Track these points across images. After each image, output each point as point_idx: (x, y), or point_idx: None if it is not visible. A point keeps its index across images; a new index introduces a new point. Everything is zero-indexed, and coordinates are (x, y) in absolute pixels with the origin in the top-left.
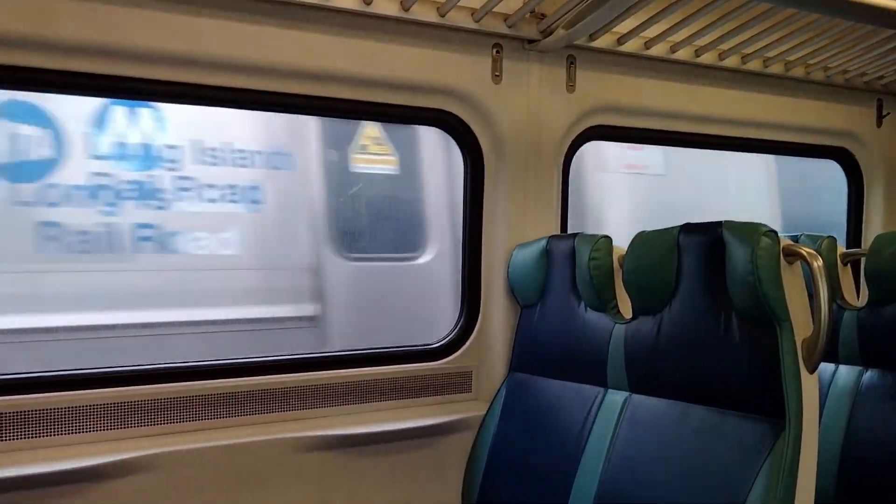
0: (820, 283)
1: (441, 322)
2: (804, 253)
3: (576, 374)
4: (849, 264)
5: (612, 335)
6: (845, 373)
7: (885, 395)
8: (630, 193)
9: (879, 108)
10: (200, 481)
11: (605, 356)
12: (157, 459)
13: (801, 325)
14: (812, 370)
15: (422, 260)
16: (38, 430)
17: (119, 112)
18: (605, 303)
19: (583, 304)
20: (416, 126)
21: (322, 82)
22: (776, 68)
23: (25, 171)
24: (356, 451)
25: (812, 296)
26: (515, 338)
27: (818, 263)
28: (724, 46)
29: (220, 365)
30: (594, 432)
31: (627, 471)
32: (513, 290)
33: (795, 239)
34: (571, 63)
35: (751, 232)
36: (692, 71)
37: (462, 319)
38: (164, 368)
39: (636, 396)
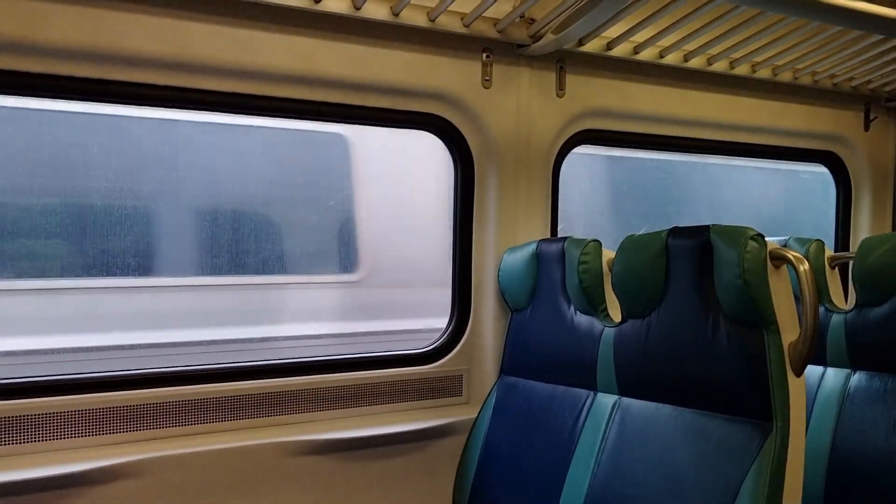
0: (806, 287)
1: None
2: (790, 257)
3: (566, 377)
4: (836, 267)
5: (601, 338)
6: (833, 375)
7: (872, 397)
8: None
9: (867, 113)
10: (190, 486)
11: (594, 359)
12: (146, 464)
13: (788, 328)
14: (799, 373)
15: None
16: (25, 435)
17: None
18: (594, 306)
19: (573, 308)
20: None
21: (312, 86)
22: (764, 73)
23: None
24: (347, 455)
25: (799, 299)
26: (506, 341)
27: (804, 267)
28: (713, 51)
29: (209, 370)
30: (584, 435)
31: (617, 473)
32: (503, 294)
33: (784, 243)
34: (561, 67)
35: (738, 236)
36: (681, 75)
37: (453, 323)
38: (154, 373)
39: (625, 399)
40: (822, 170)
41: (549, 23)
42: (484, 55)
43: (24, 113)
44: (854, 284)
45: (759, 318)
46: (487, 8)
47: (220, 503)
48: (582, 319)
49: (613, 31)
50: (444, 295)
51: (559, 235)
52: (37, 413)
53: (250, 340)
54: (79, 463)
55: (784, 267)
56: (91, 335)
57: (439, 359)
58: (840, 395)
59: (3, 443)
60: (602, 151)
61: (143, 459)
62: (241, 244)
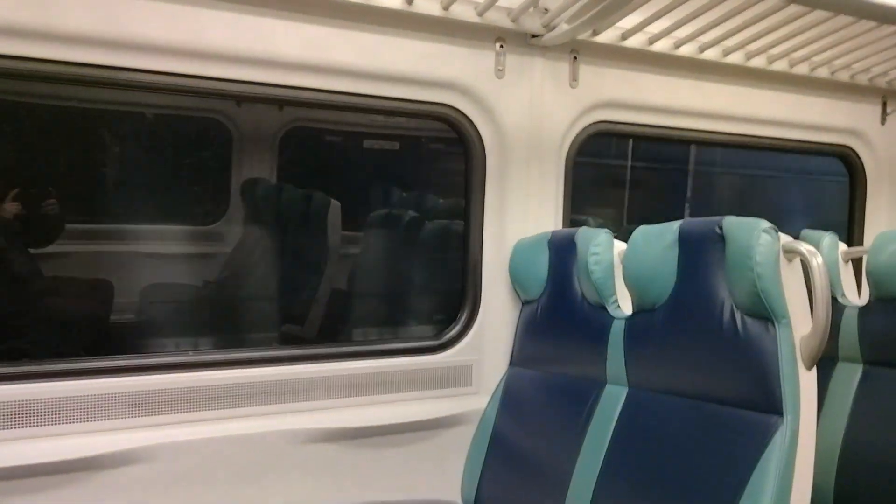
0: (819, 281)
1: None
2: (804, 250)
3: (575, 368)
4: (850, 262)
5: (611, 330)
6: (845, 370)
7: (884, 393)
8: None
9: (884, 106)
10: (200, 472)
11: (604, 351)
12: (156, 450)
13: (800, 321)
14: (810, 367)
15: None
16: (36, 419)
17: None
18: (605, 298)
19: (583, 299)
20: None
21: (324, 75)
22: (780, 65)
23: None
24: (356, 444)
25: (812, 293)
26: (516, 332)
27: (818, 261)
28: (729, 43)
29: (220, 356)
30: (592, 427)
31: (625, 465)
32: (514, 285)
33: (796, 236)
34: (575, 58)
35: (751, 228)
36: (696, 67)
37: (463, 313)
38: (164, 359)
39: (634, 391)
40: None
41: (563, 13)
42: (497, 45)
43: None
44: (868, 279)
45: (770, 311)
46: None
47: (229, 489)
48: (592, 311)
49: (628, 22)
50: None
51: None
52: (48, 397)
53: None
54: (87, 448)
55: (797, 260)
56: None
57: (449, 348)
58: (852, 390)
59: (15, 426)
60: None
61: (154, 445)
62: None
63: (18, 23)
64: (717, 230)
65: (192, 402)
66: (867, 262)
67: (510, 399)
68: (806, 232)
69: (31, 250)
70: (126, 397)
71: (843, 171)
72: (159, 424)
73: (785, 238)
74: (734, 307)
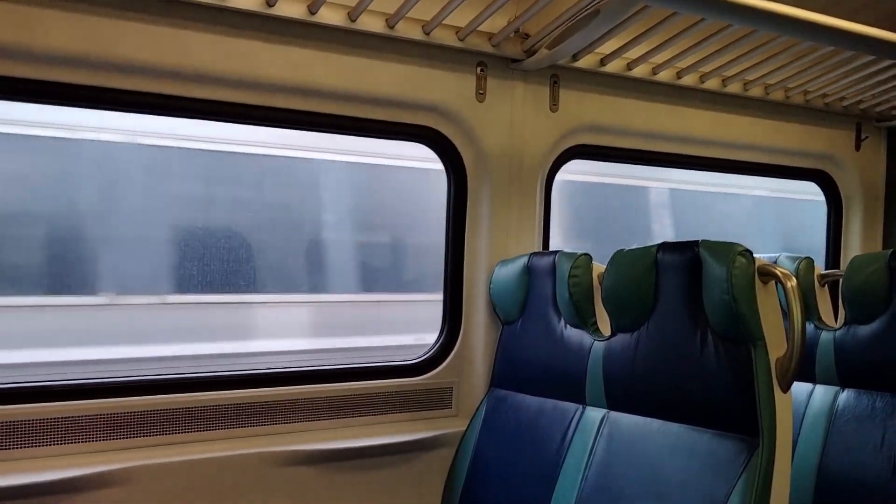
0: (793, 304)
1: None
2: (778, 273)
3: (555, 390)
4: (826, 285)
5: (591, 352)
6: (822, 393)
7: (861, 415)
8: None
9: (858, 132)
10: (177, 495)
11: (583, 373)
12: (132, 472)
13: (776, 344)
14: (786, 389)
15: None
16: (13, 441)
17: None
18: (584, 320)
19: (563, 321)
20: None
21: (307, 97)
22: (756, 91)
23: None
24: (336, 466)
25: (787, 315)
26: (496, 354)
27: (792, 284)
28: (705, 69)
29: (199, 378)
30: (572, 449)
31: (604, 488)
32: (494, 307)
33: (774, 260)
34: (555, 82)
35: (727, 252)
36: (674, 92)
37: (443, 335)
38: (143, 380)
39: (614, 413)
40: None
41: (543, 38)
42: (478, 69)
43: None
44: (843, 302)
45: (746, 333)
46: (482, 22)
47: None
48: (572, 333)
49: (607, 48)
50: None
51: (550, 249)
52: (23, 419)
53: None
54: (65, 470)
55: (772, 283)
56: None
57: (429, 370)
58: (828, 412)
59: None
60: None
61: (130, 467)
62: None
63: (4, 42)
64: (694, 253)
65: (168, 425)
66: (842, 286)
67: (490, 422)
68: (783, 255)
69: None
70: (102, 419)
71: None
72: (137, 447)
73: (760, 261)
74: (711, 329)
